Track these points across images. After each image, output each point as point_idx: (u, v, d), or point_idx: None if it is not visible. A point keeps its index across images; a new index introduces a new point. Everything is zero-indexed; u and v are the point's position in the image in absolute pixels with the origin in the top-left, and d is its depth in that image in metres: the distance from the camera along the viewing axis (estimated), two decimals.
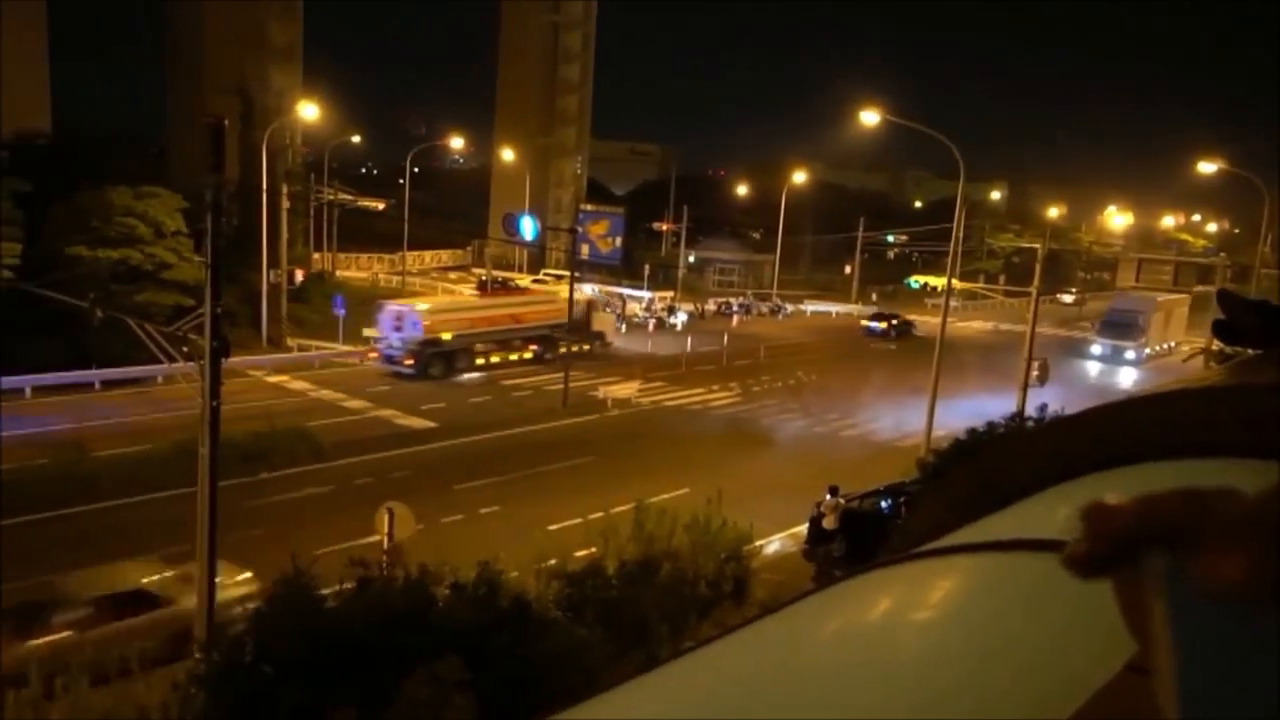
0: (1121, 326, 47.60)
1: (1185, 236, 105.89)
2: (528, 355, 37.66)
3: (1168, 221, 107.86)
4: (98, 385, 30.29)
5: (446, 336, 34.48)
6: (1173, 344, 49.88)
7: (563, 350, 36.28)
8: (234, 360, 25.12)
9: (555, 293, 40.35)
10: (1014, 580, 0.77)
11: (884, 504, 19.64)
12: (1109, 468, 0.87)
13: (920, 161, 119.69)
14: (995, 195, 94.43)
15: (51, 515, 19.42)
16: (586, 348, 38.96)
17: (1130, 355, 47.06)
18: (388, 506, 14.20)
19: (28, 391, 28.98)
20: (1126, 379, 44.33)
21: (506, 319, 37.55)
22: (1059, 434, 0.99)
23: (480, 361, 36.00)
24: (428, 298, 42.39)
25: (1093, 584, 0.70)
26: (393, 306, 36.60)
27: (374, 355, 35.53)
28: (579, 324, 38.17)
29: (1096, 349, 47.93)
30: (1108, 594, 0.67)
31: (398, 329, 34.92)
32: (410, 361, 34.08)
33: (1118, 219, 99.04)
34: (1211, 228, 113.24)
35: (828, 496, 19.46)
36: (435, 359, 34.42)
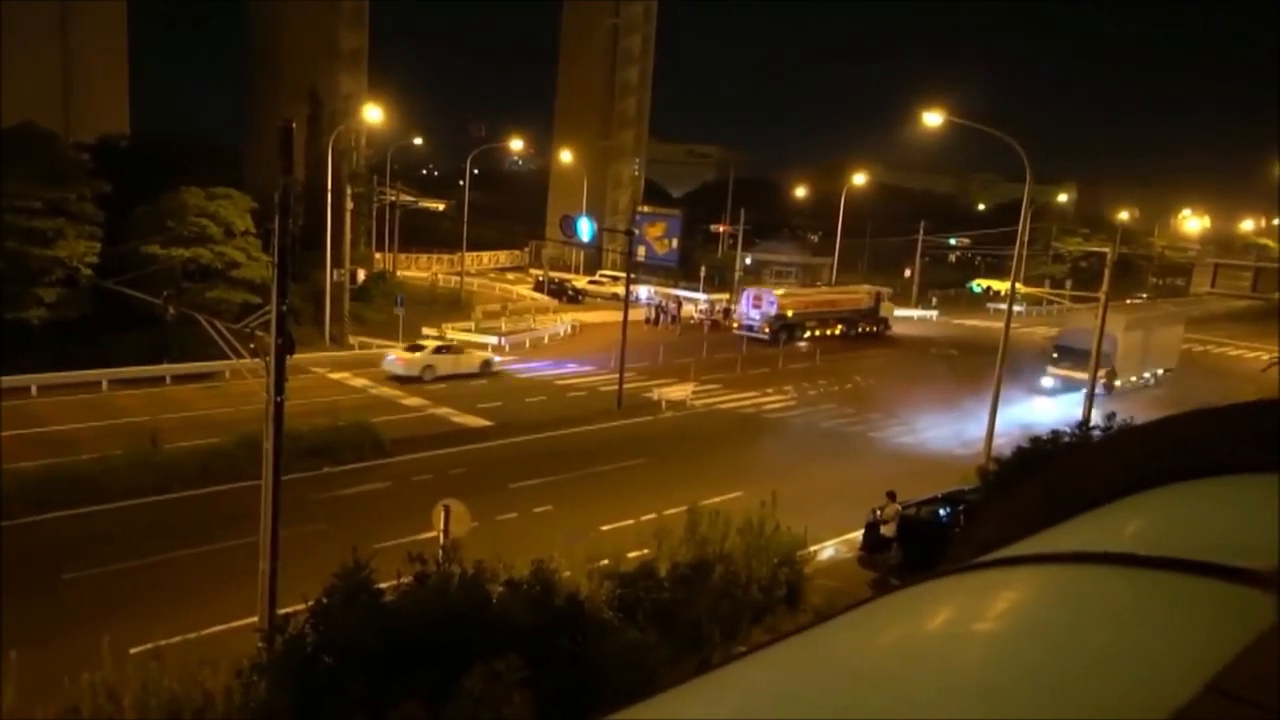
0: (1078, 354, 36.91)
1: (1266, 241, 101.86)
2: (837, 331, 48.45)
3: (1247, 225, 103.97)
4: (168, 380, 31.30)
5: (790, 314, 45.95)
6: (1159, 373, 41.54)
7: (860, 330, 49.14)
8: (298, 357, 25.71)
9: (859, 287, 53.30)
10: (1084, 594, 0.74)
11: (942, 512, 19.29)
12: (1186, 480, 0.84)
13: (988, 164, 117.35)
14: (1063, 198, 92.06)
15: (126, 505, 20.15)
16: (875, 329, 50.58)
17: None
18: (444, 503, 14.37)
19: (104, 385, 30.08)
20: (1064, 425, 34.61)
21: (826, 304, 49.53)
22: (1132, 444, 0.95)
23: (807, 334, 46.95)
24: (780, 285, 53.83)
25: (1168, 601, 0.67)
26: (752, 290, 48.30)
27: (735, 325, 47.33)
28: (871, 311, 50.87)
29: (1048, 382, 38.20)
30: (1185, 611, 0.65)
31: (757, 307, 46.37)
32: (767, 330, 45.40)
33: (1192, 222, 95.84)
34: None
35: (886, 502, 19.18)
36: (782, 329, 45.61)
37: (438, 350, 33.81)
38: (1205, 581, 0.68)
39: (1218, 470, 0.82)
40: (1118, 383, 39.02)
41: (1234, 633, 0.56)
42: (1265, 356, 45.28)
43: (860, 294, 51.85)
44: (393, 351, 34.56)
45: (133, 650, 12.48)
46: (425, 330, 41.90)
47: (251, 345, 15.42)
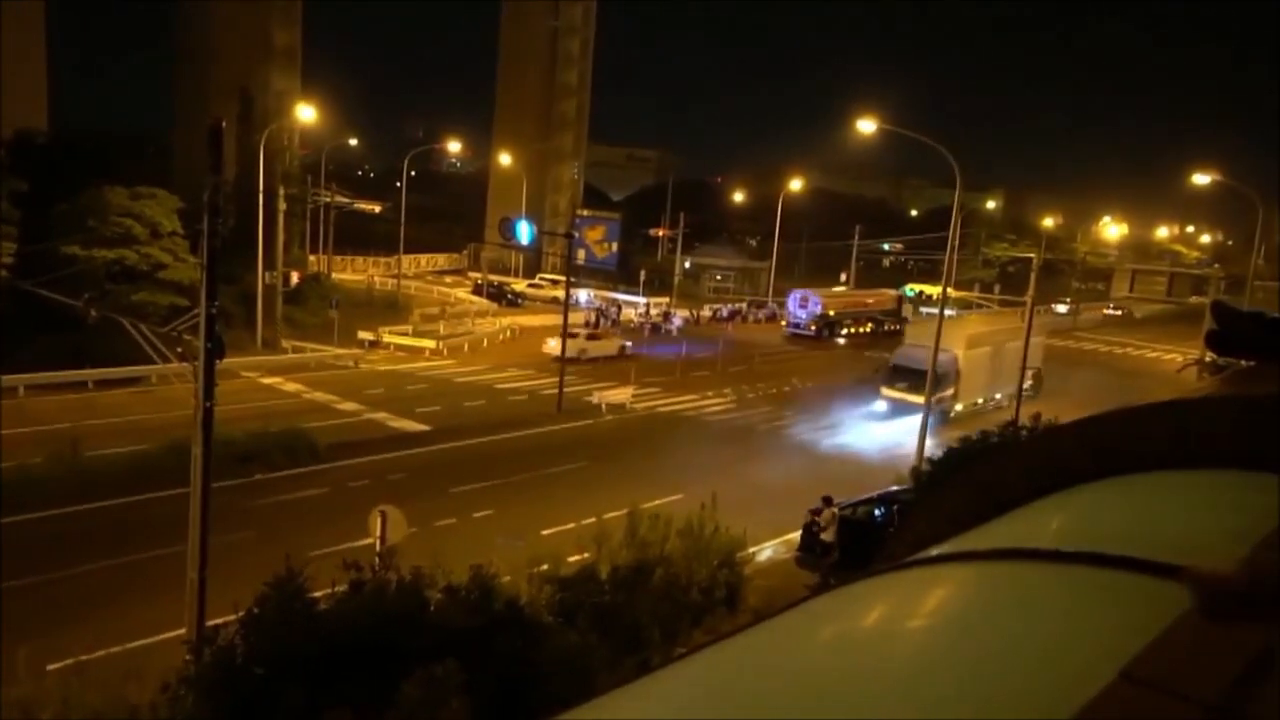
0: (913, 374, 32.39)
1: (1179, 248, 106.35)
2: (868, 329, 53.98)
3: (1162, 232, 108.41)
4: (90, 385, 30.20)
5: (832, 313, 52.53)
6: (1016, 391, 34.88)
7: (885, 327, 53.42)
8: (229, 361, 25.09)
9: (886, 291, 60.32)
10: (1009, 589, 0.77)
11: (877, 512, 19.64)
12: (1106, 477, 0.88)
13: (919, 170, 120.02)
14: (991, 204, 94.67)
15: (45, 515, 19.35)
16: (897, 326, 53.45)
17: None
18: (380, 509, 14.15)
19: (21, 390, 28.87)
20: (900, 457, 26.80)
21: (861, 304, 55.97)
22: (1055, 443, 0.99)
23: (845, 331, 53.04)
24: (824, 288, 58.98)
25: (1089, 595, 0.70)
26: (799, 293, 54.70)
27: (784, 323, 54.14)
28: (895, 311, 57.19)
29: (880, 406, 34.16)
30: (1102, 603, 0.67)
31: (803, 307, 53.01)
32: (813, 328, 51.90)
33: (1112, 229, 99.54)
34: (1205, 239, 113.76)
35: (823, 506, 19.42)
36: (825, 327, 52.06)
37: (589, 338, 42.83)
38: (1124, 575, 0.71)
39: (1136, 468, 0.86)
40: (959, 406, 34.20)
41: (1149, 624, 0.59)
42: (1180, 358, 47.14)
43: (887, 297, 58.80)
44: (552, 338, 41.57)
45: (52, 666, 12.01)
46: (361, 334, 41.19)
47: (179, 349, 15.00)
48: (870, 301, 57.01)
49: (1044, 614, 0.68)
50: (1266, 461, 0.75)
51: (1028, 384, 32.72)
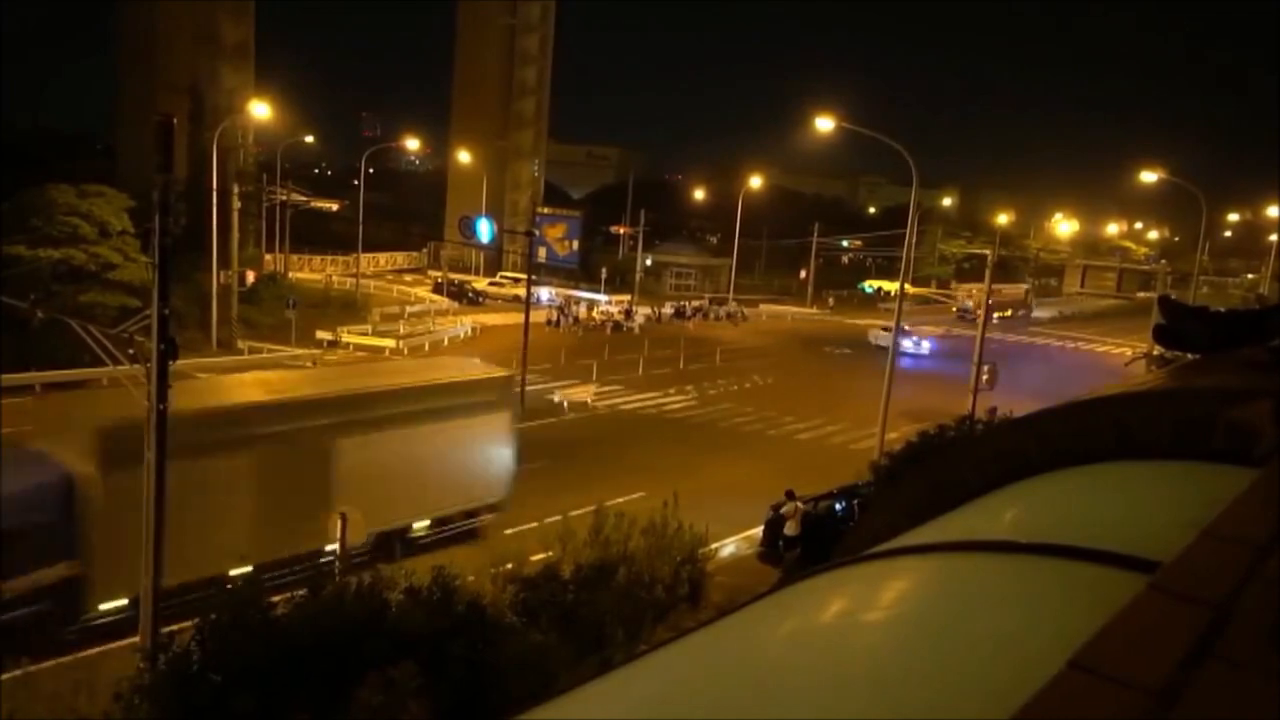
0: None
1: (1128, 244, 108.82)
2: (1008, 314, 64.79)
3: (1111, 229, 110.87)
4: (38, 389, 29.41)
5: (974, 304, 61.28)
6: (416, 528, 18.85)
7: (1011, 313, 65.37)
8: (182, 363, 24.55)
9: (1019, 285, 74.52)
10: (963, 580, 0.78)
11: (838, 506, 19.84)
12: (1056, 469, 0.90)
13: (876, 168, 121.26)
14: (947, 201, 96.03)
15: None
16: (1026, 312, 69.23)
17: None
18: (340, 512, 14.00)
19: None
20: None
21: (1002, 295, 64.25)
22: (1007, 437, 1.01)
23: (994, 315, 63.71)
24: (969, 285, 70.34)
25: (1040, 585, 0.71)
26: (963, 286, 69.06)
27: (954, 310, 63.12)
28: (1023, 300, 70.68)
29: None
30: (1053, 592, 0.69)
31: (970, 296, 63.52)
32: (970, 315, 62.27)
33: (1064, 226, 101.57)
34: (1153, 235, 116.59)
35: (786, 501, 19.57)
36: (965, 313, 63.21)
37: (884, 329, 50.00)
38: (1074, 565, 0.72)
39: (1083, 460, 0.87)
40: (105, 604, 14.45)
41: (1098, 612, 0.60)
42: (1129, 352, 48.12)
43: (1019, 289, 74.54)
44: (873, 329, 51.84)
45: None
46: (319, 334, 40.62)
47: (131, 351, 14.65)
48: (1010, 291, 70.64)
49: (997, 604, 0.69)
50: (1206, 452, 0.77)
51: (984, 378, 33.24)
